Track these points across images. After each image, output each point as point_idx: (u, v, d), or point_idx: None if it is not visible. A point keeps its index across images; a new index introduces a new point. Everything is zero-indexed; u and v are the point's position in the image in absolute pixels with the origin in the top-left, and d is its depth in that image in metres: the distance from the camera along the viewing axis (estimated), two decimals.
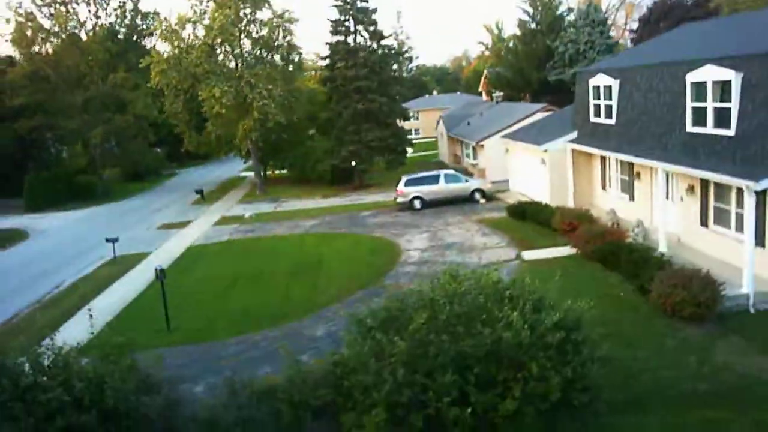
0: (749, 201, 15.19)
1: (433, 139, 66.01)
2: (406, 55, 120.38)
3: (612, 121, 23.48)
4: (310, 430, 11.13)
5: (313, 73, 55.61)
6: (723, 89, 16.90)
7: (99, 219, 41.73)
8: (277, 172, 55.30)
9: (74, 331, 16.81)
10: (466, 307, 10.73)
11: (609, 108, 23.68)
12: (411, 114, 72.70)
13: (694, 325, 14.75)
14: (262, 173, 49.31)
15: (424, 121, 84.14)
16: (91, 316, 16.78)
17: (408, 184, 32.35)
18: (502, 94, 55.54)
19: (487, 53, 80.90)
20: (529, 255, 21.30)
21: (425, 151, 64.29)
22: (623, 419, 11.68)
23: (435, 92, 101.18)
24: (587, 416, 11.37)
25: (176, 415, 11.48)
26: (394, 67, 49.83)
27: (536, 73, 57.25)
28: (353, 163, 42.39)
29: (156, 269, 18.24)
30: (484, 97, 74.44)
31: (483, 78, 78.81)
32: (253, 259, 26.18)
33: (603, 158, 25.44)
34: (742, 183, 15.32)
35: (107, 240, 27.74)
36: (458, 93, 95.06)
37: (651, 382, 12.94)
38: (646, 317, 15.57)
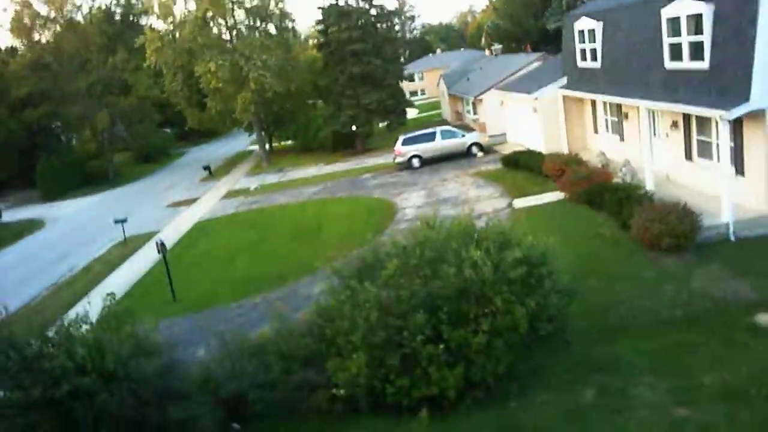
0: (723, 130, 15.38)
1: (438, 99, 65.84)
2: (408, 14, 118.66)
3: (597, 65, 23.51)
4: (300, 378, 11.81)
5: (314, 41, 55.56)
6: (696, 23, 16.93)
7: (110, 202, 42.72)
8: (282, 143, 55.76)
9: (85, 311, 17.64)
10: (435, 251, 11.27)
11: (594, 51, 23.67)
12: (416, 75, 72.39)
13: (673, 256, 15.14)
14: (266, 145, 49.78)
15: (429, 81, 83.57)
16: (111, 297, 17.46)
17: (405, 143, 32.67)
18: (500, 46, 55.06)
19: (490, 6, 79.89)
20: (519, 203, 21.71)
21: (430, 111, 64.17)
22: (596, 348, 12.21)
23: (439, 51, 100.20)
24: (559, 347, 11.96)
25: (173, 376, 12.26)
26: (393, 27, 49.59)
27: (534, 22, 56.59)
28: (353, 128, 42.67)
29: (156, 243, 19.01)
30: (486, 51, 73.73)
31: (484, 32, 77.91)
32: (257, 228, 26.91)
33: (593, 102, 25.54)
34: (716, 113, 15.50)
35: (116, 221, 28.62)
36: (462, 50, 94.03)
37: (627, 312, 13.43)
38: (627, 252, 15.99)
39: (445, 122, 50.85)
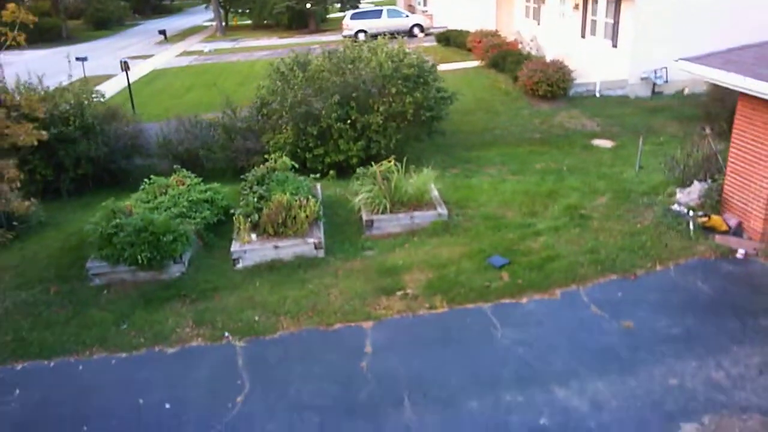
0: (604, 9, 18.94)
1: None
2: None
3: None
4: (242, 147, 15.12)
5: None
6: None
7: (66, 54, 43.85)
8: (237, 21, 56.84)
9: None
10: (354, 55, 14.65)
11: None
12: None
13: (547, 101, 18.99)
14: (222, 19, 51.06)
15: None
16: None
17: (353, 17, 35.27)
18: None
19: None
20: (442, 67, 25.05)
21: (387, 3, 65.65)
22: (470, 152, 16.02)
23: None
24: (440, 148, 15.71)
25: (140, 137, 15.48)
26: None
27: None
28: (308, 5, 44.58)
29: (121, 61, 21.60)
30: None
31: None
32: (208, 75, 29.53)
33: None
34: None
35: (77, 59, 30.52)
36: None
37: (500, 133, 17.31)
38: (514, 98, 19.77)
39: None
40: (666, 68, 18.94)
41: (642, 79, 19.46)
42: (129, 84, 21.54)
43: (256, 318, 8.52)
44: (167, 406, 7.05)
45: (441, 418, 6.48)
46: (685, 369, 6.83)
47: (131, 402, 7.16)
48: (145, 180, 11.79)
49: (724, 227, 9.59)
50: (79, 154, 14.39)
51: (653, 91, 19.48)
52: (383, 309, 8.50)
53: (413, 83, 14.21)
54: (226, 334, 8.25)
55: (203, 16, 62.95)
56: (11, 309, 9.29)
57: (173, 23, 65.29)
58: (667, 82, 19.24)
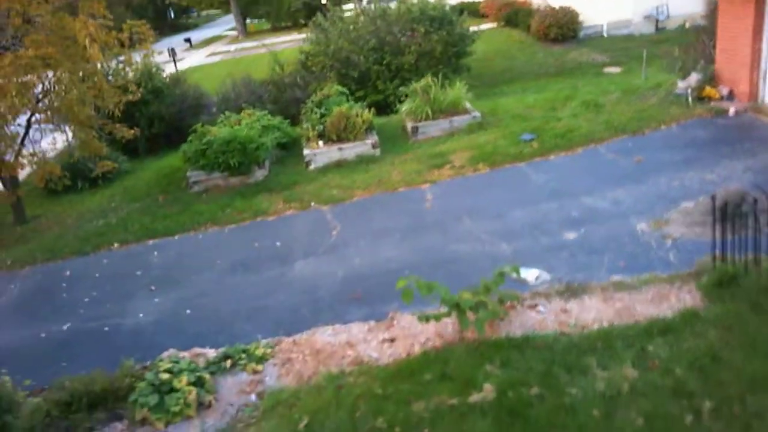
0: None
1: None
2: None
3: None
4: (291, 98, 17.10)
5: None
6: None
7: None
8: (255, 26, 59.41)
9: None
10: (384, 7, 16.65)
11: None
12: None
13: (559, 43, 20.75)
14: (242, 23, 53.64)
15: None
16: None
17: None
18: None
19: None
20: None
21: None
22: (495, 88, 17.81)
23: None
24: (470, 86, 17.55)
25: (202, 96, 17.54)
26: None
27: None
28: (323, 1, 46.74)
29: (168, 49, 23.84)
30: None
31: None
32: (242, 65, 31.73)
33: None
34: None
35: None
36: None
37: (519, 71, 19.10)
38: (528, 45, 21.57)
39: None
40: (667, 5, 20.60)
41: (645, 17, 21.10)
42: (176, 70, 23.75)
43: (335, 192, 10.48)
44: (278, 243, 9.02)
45: (493, 222, 8.34)
46: (685, 176, 8.62)
47: (248, 247, 9.14)
48: (222, 113, 13.84)
49: (718, 95, 11.31)
50: (152, 114, 16.51)
51: (656, 27, 21.11)
52: (436, 176, 10.40)
53: (438, 23, 16.11)
54: (313, 203, 10.22)
55: (221, 28, 65.65)
56: (132, 213, 11.38)
57: (194, 35, 68.17)
58: (668, 17, 20.86)
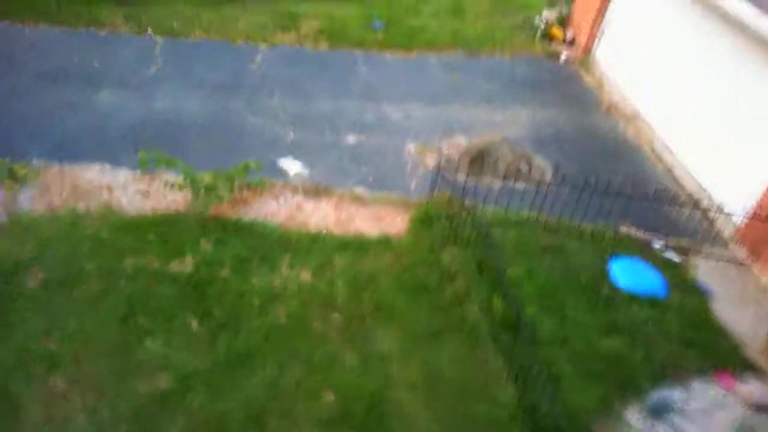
0: None
1: None
2: None
3: None
4: None
5: None
6: None
7: None
8: None
9: None
10: None
11: None
12: None
13: None
14: None
15: None
16: None
17: None
18: None
19: None
20: None
21: None
22: None
23: None
24: None
25: None
26: None
27: None
28: None
29: None
30: None
31: None
32: None
33: None
34: None
35: None
36: None
37: None
38: None
39: None
40: None
41: None
42: None
43: (175, 25, 10.60)
44: (96, 64, 9.27)
45: (297, 104, 9.05)
46: (478, 110, 9.61)
47: (68, 58, 9.31)
48: None
49: (561, 37, 12.14)
50: None
51: None
52: (278, 39, 10.74)
53: None
54: (149, 30, 10.34)
55: None
56: None
57: None
58: None
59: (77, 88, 8.63)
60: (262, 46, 10.44)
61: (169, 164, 6.16)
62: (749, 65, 7.86)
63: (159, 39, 10.15)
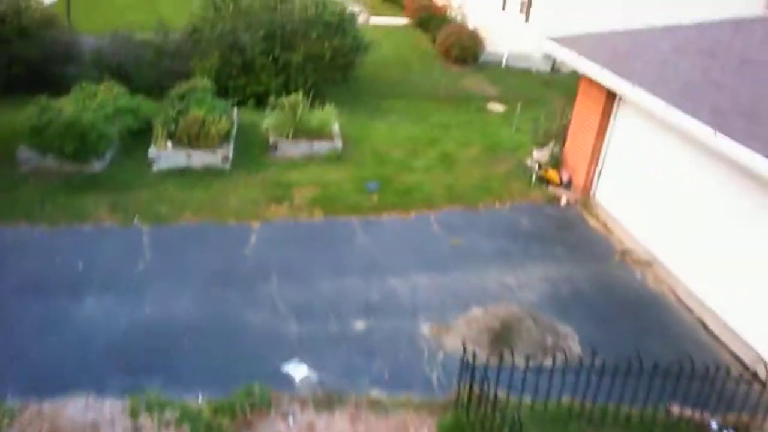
0: None
1: None
2: None
3: None
4: (170, 68, 16.31)
5: None
6: None
7: None
8: None
9: None
10: None
11: None
12: None
13: (459, 65, 20.93)
14: None
15: None
16: None
17: None
18: None
19: None
20: (374, 20, 26.59)
21: None
22: (381, 100, 17.76)
23: None
24: (356, 93, 17.40)
25: (74, 48, 16.41)
26: None
27: None
28: None
29: None
30: None
31: None
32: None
33: None
34: None
35: None
36: None
37: (411, 88, 19.13)
38: (430, 58, 21.61)
39: None
40: None
41: (545, 55, 21.64)
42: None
43: (163, 210, 10.21)
44: (80, 264, 8.73)
45: (298, 290, 8.46)
46: (488, 274, 9.06)
47: (48, 262, 8.76)
48: (77, 86, 13.02)
49: (558, 180, 11.89)
50: (13, 55, 15.28)
51: (552, 68, 21.75)
52: (271, 213, 10.36)
53: (333, 30, 15.79)
54: (136, 220, 9.92)
55: None
56: None
57: None
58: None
59: (58, 299, 8.01)
60: (255, 225, 10.02)
61: (163, 406, 5.42)
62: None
63: (146, 228, 9.71)
